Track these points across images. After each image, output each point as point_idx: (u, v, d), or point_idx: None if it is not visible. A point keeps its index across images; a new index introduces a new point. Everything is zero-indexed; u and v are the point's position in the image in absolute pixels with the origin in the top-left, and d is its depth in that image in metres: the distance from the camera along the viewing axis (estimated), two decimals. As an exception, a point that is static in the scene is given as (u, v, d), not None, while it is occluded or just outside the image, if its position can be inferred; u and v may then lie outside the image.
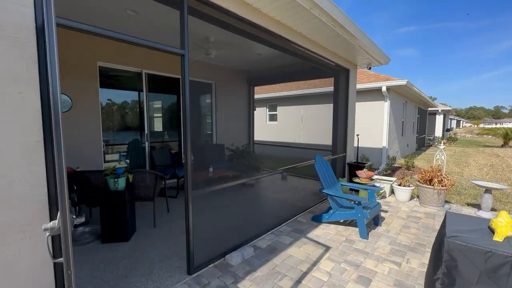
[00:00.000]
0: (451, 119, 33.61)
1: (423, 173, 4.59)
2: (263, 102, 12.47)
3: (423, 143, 17.79)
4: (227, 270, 2.62)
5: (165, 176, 3.83)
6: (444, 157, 4.90)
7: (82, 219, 1.27)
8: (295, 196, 5.37)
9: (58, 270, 1.58)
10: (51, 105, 0.98)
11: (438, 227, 3.64)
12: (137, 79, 5.46)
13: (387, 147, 8.79)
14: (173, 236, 3.33)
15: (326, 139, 5.86)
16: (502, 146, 16.66)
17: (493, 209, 4.33)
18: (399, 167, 8.75)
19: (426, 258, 2.82)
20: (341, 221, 3.76)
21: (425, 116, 18.20)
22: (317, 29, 3.62)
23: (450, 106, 23.09)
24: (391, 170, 7.95)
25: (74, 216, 1.23)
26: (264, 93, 12.06)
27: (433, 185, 4.36)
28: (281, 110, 11.98)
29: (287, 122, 11.68)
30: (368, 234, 3.38)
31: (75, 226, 3.45)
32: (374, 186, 5.04)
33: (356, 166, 5.48)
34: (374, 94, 8.79)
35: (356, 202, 3.30)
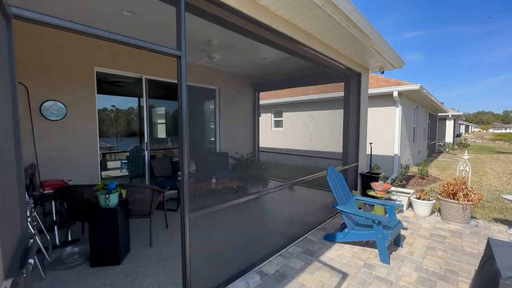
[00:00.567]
0: (460, 124, 32.80)
1: (446, 185, 4.18)
2: (268, 107, 12.17)
3: (433, 149, 17.21)
4: (230, 303, 2.26)
5: (163, 189, 3.51)
6: (469, 168, 4.48)
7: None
8: (304, 210, 4.98)
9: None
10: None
11: (467, 249, 3.24)
12: (137, 85, 5.21)
13: (399, 154, 8.36)
14: (171, 258, 2.99)
15: (335, 146, 5.50)
16: (517, 152, 15.98)
17: (526, 227, 3.90)
18: (412, 176, 8.30)
19: (461, 291, 2.42)
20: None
21: (435, 121, 17.66)
22: (330, 30, 3.31)
23: (457, 111, 22.45)
24: (404, 180, 7.50)
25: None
26: (269, 98, 11.78)
27: (457, 200, 3.95)
28: (287, 116, 11.66)
29: (293, 129, 11.33)
30: (389, 257, 2.99)
31: (63, 246, 3.15)
32: (390, 199, 4.64)
33: (370, 176, 5.09)
34: (384, 99, 8.41)
35: (376, 222, 2.92)
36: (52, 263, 2.76)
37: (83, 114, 4.19)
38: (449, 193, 4.09)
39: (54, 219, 3.25)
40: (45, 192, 3.21)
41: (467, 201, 3.89)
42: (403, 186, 6.82)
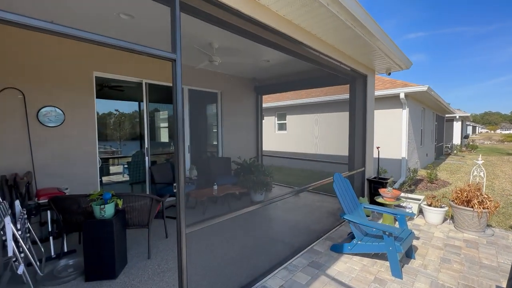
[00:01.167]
0: (467, 125, 32.22)
1: (459, 192, 3.97)
2: (272, 110, 12.04)
3: (441, 151, 16.84)
4: (231, 324, 2.10)
5: (162, 198, 3.38)
6: (484, 174, 4.25)
7: None
8: (309, 217, 4.80)
9: None
10: None
11: (485, 262, 3.02)
12: (137, 89, 5.11)
13: (406, 158, 8.12)
14: (170, 271, 2.84)
15: (341, 150, 5.32)
16: (529, 154, 15.54)
17: (546, 236, 3.66)
18: (421, 180, 8.04)
19: (483, 310, 2.22)
20: (366, 252, 3.18)
21: (442, 123, 17.31)
22: (334, 30, 3.16)
23: (465, 112, 22.00)
24: (413, 184, 7.26)
25: None
26: (272, 101, 11.64)
27: (472, 207, 3.73)
28: (291, 119, 11.50)
29: (297, 132, 11.17)
30: (401, 271, 2.80)
31: (58, 257, 3.02)
32: (399, 206, 4.44)
33: (377, 182, 4.89)
34: (391, 101, 8.20)
35: (387, 233, 2.74)
36: (44, 277, 2.64)
37: (81, 120, 4.09)
38: (463, 200, 3.87)
39: (50, 230, 3.13)
40: (40, 201, 3.10)
41: (483, 208, 3.67)
42: (412, 191, 6.59)
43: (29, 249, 2.53)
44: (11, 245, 2.17)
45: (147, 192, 5.13)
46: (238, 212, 2.38)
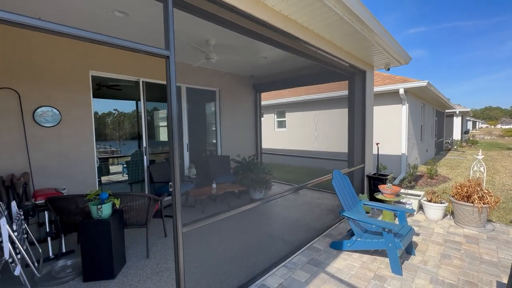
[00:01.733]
0: (467, 120, 32.12)
1: (459, 187, 3.94)
2: (271, 108, 12.00)
3: (441, 147, 16.80)
4: (229, 323, 2.09)
5: (160, 197, 3.36)
6: (484, 169, 4.23)
7: None
8: (308, 214, 4.79)
9: None
10: None
11: (486, 257, 3.01)
12: (134, 88, 5.08)
13: (406, 154, 8.09)
14: (168, 270, 2.82)
15: (341, 147, 5.30)
16: (529, 148, 15.51)
17: (547, 230, 3.64)
18: (421, 176, 8.02)
19: (483, 306, 2.20)
20: (366, 248, 3.16)
21: (442, 118, 17.25)
22: (332, 25, 3.12)
23: (465, 107, 21.91)
24: (413, 180, 7.24)
25: None
26: (271, 99, 11.60)
27: (472, 202, 3.71)
28: (290, 117, 11.46)
29: (297, 129, 11.13)
30: (401, 267, 2.78)
31: (57, 258, 3.01)
32: (399, 202, 4.42)
33: (377, 178, 4.87)
34: (390, 97, 8.16)
35: (387, 230, 2.72)
36: (42, 278, 2.62)
37: (78, 120, 4.07)
38: (463, 196, 3.85)
39: (48, 230, 3.12)
40: (37, 202, 3.08)
41: (483, 203, 3.65)
42: (412, 187, 6.57)
43: (26, 250, 2.51)
44: (7, 246, 2.16)
45: (146, 192, 5.11)
46: (235, 211, 2.36)
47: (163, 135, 7.73)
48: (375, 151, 5.44)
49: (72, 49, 3.98)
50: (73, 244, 3.38)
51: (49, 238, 3.12)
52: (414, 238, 3.53)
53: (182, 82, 5.60)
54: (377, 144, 5.32)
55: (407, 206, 4.40)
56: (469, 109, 20.98)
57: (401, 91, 7.64)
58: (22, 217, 2.66)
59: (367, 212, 4.52)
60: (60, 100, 3.86)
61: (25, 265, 2.63)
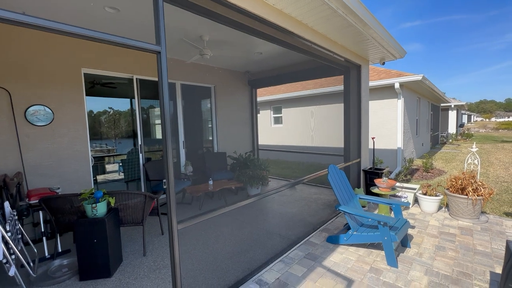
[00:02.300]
0: (462, 114, 32.38)
1: (454, 180, 3.98)
2: (267, 104, 11.97)
3: (437, 140, 16.94)
4: (227, 319, 2.09)
5: (156, 195, 3.34)
6: (478, 161, 4.26)
7: None
8: (305, 210, 4.81)
9: None
10: None
11: (479, 248, 3.05)
12: (128, 86, 5.02)
13: (402, 148, 8.14)
14: (165, 268, 2.82)
15: (337, 141, 5.31)
16: (523, 141, 15.70)
17: (539, 221, 3.70)
18: (417, 169, 8.10)
19: (477, 296, 2.24)
20: (362, 242, 3.19)
21: (437, 112, 17.37)
22: (326, 19, 3.09)
23: (460, 101, 22.06)
24: (408, 173, 7.30)
25: None
26: (267, 95, 11.56)
27: (466, 195, 3.75)
28: (286, 112, 11.45)
29: (293, 125, 11.14)
30: (397, 260, 2.81)
31: (52, 258, 2.99)
32: (395, 196, 4.46)
33: (373, 173, 4.90)
34: (386, 91, 8.18)
35: (382, 223, 2.74)
36: (38, 278, 2.61)
37: (72, 118, 4.01)
38: (458, 188, 3.89)
39: (43, 230, 3.09)
40: (31, 202, 3.05)
41: (477, 195, 3.69)
42: (408, 181, 6.63)
43: (21, 250, 2.48)
44: (0, 247, 2.13)
45: (142, 190, 5.09)
46: (231, 207, 2.35)
47: (159, 133, 7.68)
48: (371, 146, 5.46)
49: (63, 47, 3.91)
50: (69, 243, 3.36)
51: (44, 238, 3.09)
52: (410, 231, 3.57)
53: (177, 79, 5.54)
54: (373, 138, 5.34)
55: (402, 200, 4.44)
56: (464, 103, 21.14)
57: (397, 85, 7.66)
58: (16, 217, 2.63)
59: (363, 206, 4.55)
60: (52, 99, 3.81)
61: (20, 266, 2.61)
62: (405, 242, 3.14)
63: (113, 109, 8.43)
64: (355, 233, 3.05)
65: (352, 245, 3.20)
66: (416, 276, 2.55)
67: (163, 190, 4.01)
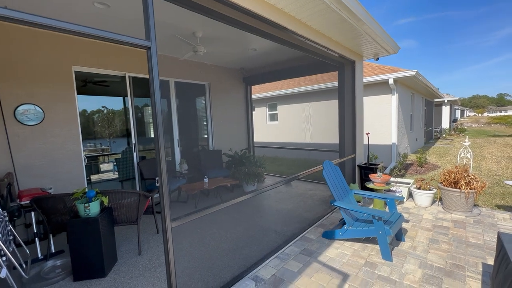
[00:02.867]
0: (456, 109, 32.77)
1: (447, 174, 4.03)
2: (262, 101, 11.94)
3: (431, 136, 17.14)
4: (223, 315, 2.09)
5: (150, 193, 3.31)
6: (471, 155, 4.32)
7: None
8: (301, 206, 4.83)
9: None
10: None
11: (472, 240, 3.10)
12: (121, 84, 4.94)
13: (396, 143, 8.21)
14: (161, 266, 2.81)
15: (332, 137, 5.33)
16: (514, 135, 15.97)
17: (530, 213, 3.77)
18: (411, 164, 8.18)
19: (470, 287, 2.27)
20: (357, 237, 3.21)
21: (431, 107, 17.54)
22: (319, 14, 3.08)
23: (453, 96, 22.31)
24: (403, 168, 7.37)
25: None
26: (262, 92, 11.53)
27: (459, 188, 3.80)
28: (282, 109, 11.44)
29: (288, 122, 11.14)
30: (391, 253, 2.84)
31: (46, 259, 2.95)
32: (390, 190, 4.49)
33: (368, 168, 4.93)
34: (380, 87, 8.21)
35: (377, 218, 2.75)
36: (30, 279, 2.57)
37: (63, 117, 3.94)
38: (451, 182, 3.94)
39: (35, 231, 3.05)
40: (23, 203, 2.99)
41: (470, 189, 3.74)
42: (402, 176, 6.69)
43: (12, 252, 2.44)
44: (-10, 249, 2.09)
45: (137, 188, 5.05)
46: (226, 204, 2.34)
47: (153, 131, 7.61)
48: (365, 141, 5.49)
49: (52, 44, 3.82)
50: (62, 244, 3.32)
51: (37, 239, 3.05)
52: (404, 225, 3.61)
53: (170, 76, 5.48)
54: (367, 134, 5.37)
55: (397, 194, 4.48)
56: (457, 98, 21.38)
57: (391, 81, 7.70)
58: (7, 218, 2.58)
59: (358, 201, 4.59)
60: (42, 97, 3.73)
61: (12, 268, 2.57)
62: (399, 236, 3.18)
63: (106, 107, 8.32)
64: (350, 228, 3.06)
65: (347, 240, 3.22)
66: (410, 269, 2.58)
67: (158, 189, 3.98)
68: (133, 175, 5.13)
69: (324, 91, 9.04)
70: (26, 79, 3.60)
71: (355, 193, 3.63)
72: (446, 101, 19.85)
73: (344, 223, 3.25)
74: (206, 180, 4.66)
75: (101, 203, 2.72)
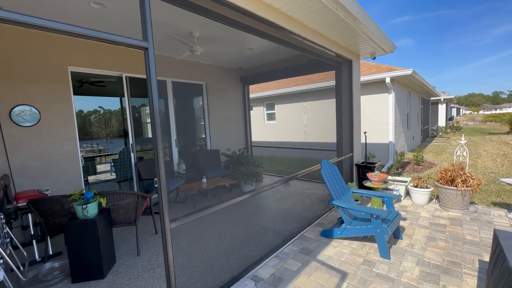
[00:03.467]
0: (451, 107, 33.02)
1: (443, 172, 4.06)
2: (260, 101, 11.94)
3: (427, 134, 17.26)
4: (222, 315, 2.10)
5: (148, 194, 3.30)
6: (467, 153, 4.36)
7: None
8: (299, 205, 4.84)
9: None
10: None
11: (468, 237, 3.13)
12: (117, 84, 4.92)
13: (393, 142, 8.26)
14: (160, 267, 2.81)
15: (329, 136, 5.34)
16: (508, 132, 16.14)
17: (525, 209, 3.81)
18: (408, 162, 8.23)
19: (466, 284, 2.30)
20: (355, 235, 3.23)
21: (428, 106, 17.66)
22: (316, 13, 3.08)
23: (449, 94, 22.48)
24: (400, 167, 7.42)
25: None
26: (260, 91, 11.53)
27: (456, 186, 3.83)
28: (279, 109, 11.45)
29: (286, 121, 11.15)
30: (389, 251, 2.86)
31: (43, 261, 2.93)
32: (387, 189, 4.52)
33: (365, 167, 4.95)
34: (377, 86, 8.25)
35: (374, 216, 2.77)
36: (28, 282, 2.55)
37: (59, 118, 3.92)
38: (447, 180, 3.97)
39: (32, 233, 3.03)
40: (19, 205, 2.97)
41: (466, 186, 3.78)
42: (399, 174, 6.74)
43: (9, 254, 2.42)
44: (-13, 252, 2.07)
45: (135, 189, 5.03)
46: (225, 204, 2.34)
47: (151, 132, 7.58)
48: (363, 140, 5.52)
49: (48, 45, 3.79)
50: (60, 246, 3.30)
51: (34, 241, 3.02)
52: (401, 223, 3.64)
53: (167, 76, 5.46)
54: (364, 133, 5.39)
55: (394, 192, 4.51)
56: (453, 96, 21.54)
57: (387, 80, 7.74)
58: (4, 221, 2.56)
59: (356, 200, 4.61)
60: (38, 98, 3.70)
61: (9, 270, 2.55)
62: (397, 234, 3.20)
63: (103, 108, 8.27)
64: (348, 226, 3.08)
65: (345, 238, 3.24)
66: (408, 267, 2.60)
67: (156, 189, 3.97)
68: (131, 175, 5.11)
69: (321, 91, 9.07)
70: (22, 80, 3.57)
71: (353, 192, 3.65)
72: (442, 99, 20.00)
73: (342, 222, 3.26)
74: (204, 180, 4.66)
75: (99, 204, 2.71)
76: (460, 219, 3.67)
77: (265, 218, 4.30)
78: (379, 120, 8.36)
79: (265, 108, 12.01)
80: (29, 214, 2.99)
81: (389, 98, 8.11)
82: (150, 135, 7.48)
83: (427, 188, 4.26)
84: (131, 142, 4.93)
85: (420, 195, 4.25)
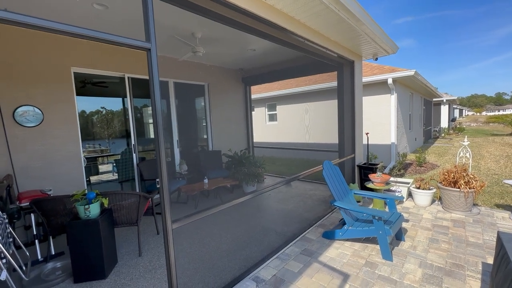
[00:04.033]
0: (454, 108, 32.86)
1: (446, 173, 4.04)
2: (262, 101, 11.95)
3: (429, 135, 17.18)
4: (224, 316, 2.09)
5: (150, 194, 3.31)
6: (470, 155, 4.33)
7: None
8: (301, 206, 4.83)
9: None
10: None
11: (471, 240, 3.11)
12: (120, 85, 4.94)
13: (395, 143, 8.23)
14: (161, 268, 2.81)
15: (331, 137, 5.34)
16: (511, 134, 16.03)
17: (529, 212, 3.78)
18: (410, 164, 8.19)
19: (469, 287, 2.28)
20: (357, 236, 3.21)
21: (430, 107, 17.59)
22: (318, 15, 3.08)
23: (451, 95, 22.39)
24: (402, 168, 7.39)
25: None
26: (262, 92, 11.54)
27: (459, 187, 3.81)
28: (281, 110, 11.44)
29: (288, 122, 11.15)
30: (391, 253, 2.84)
31: (46, 261, 2.94)
32: (389, 190, 4.50)
33: (367, 168, 4.93)
34: (379, 87, 8.23)
35: (377, 218, 2.76)
36: (30, 282, 2.56)
37: (62, 119, 3.94)
38: (450, 181, 3.95)
39: (35, 233, 3.04)
40: (22, 205, 2.98)
41: (469, 188, 3.75)
42: (401, 175, 6.71)
43: (12, 254, 2.43)
44: (-10, 251, 2.08)
45: (137, 189, 5.05)
46: (226, 205, 2.34)
47: (153, 132, 7.59)
48: (365, 141, 5.50)
49: (51, 45, 3.82)
50: (62, 246, 3.31)
51: (36, 241, 3.04)
52: (404, 224, 3.62)
53: (169, 77, 5.48)
54: (366, 134, 5.38)
55: (396, 194, 4.49)
56: (455, 97, 21.45)
57: (390, 81, 7.72)
58: (6, 220, 2.57)
59: (358, 201, 4.60)
60: (41, 99, 3.72)
61: (12, 270, 2.56)
62: (399, 236, 3.18)
63: (105, 108, 8.30)
64: (350, 228, 3.07)
65: (347, 240, 3.22)
66: (411, 269, 2.59)
67: (158, 190, 3.98)
68: (133, 176, 5.12)
69: (323, 91, 9.06)
70: (25, 80, 3.59)
71: (355, 193, 3.64)
72: (444, 100, 19.91)
73: (344, 223, 3.25)
74: (206, 181, 4.66)
75: (101, 204, 2.72)
76: (463, 221, 3.65)
77: (266, 219, 4.29)
78: (381, 121, 8.33)
79: (266, 109, 12.01)
80: (31, 214, 3.01)
81: (391, 99, 8.08)
82: (152, 136, 7.51)
83: (429, 189, 4.23)
84: (133, 142, 4.94)
85: (423, 197, 4.23)
